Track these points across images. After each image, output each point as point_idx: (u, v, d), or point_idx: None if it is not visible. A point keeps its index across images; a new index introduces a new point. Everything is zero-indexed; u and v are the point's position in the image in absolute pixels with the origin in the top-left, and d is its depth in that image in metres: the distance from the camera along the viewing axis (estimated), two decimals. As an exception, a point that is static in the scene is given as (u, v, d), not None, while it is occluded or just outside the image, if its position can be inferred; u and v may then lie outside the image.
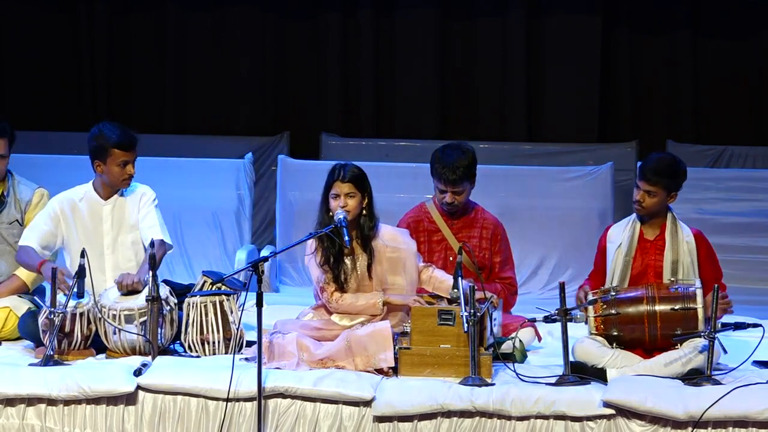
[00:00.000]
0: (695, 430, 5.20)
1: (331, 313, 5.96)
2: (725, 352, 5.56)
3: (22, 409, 5.46)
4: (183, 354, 5.91)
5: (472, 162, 6.36)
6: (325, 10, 10.36)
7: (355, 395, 5.36)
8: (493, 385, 5.42)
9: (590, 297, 5.75)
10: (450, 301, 5.80)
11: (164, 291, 5.90)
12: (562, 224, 8.88)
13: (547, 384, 5.44)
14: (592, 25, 10.13)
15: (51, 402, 5.45)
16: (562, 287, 5.62)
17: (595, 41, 10.13)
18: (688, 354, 5.58)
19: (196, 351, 5.91)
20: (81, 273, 5.76)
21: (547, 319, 5.65)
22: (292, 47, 10.43)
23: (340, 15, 10.32)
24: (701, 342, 5.53)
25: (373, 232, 5.95)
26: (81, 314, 5.86)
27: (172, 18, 10.47)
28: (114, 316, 5.82)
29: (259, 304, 5.23)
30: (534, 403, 5.29)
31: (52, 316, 5.72)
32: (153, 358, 5.70)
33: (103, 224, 6.25)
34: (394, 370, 5.61)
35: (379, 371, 5.59)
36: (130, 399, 5.46)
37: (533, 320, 5.87)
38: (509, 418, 5.30)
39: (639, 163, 6.09)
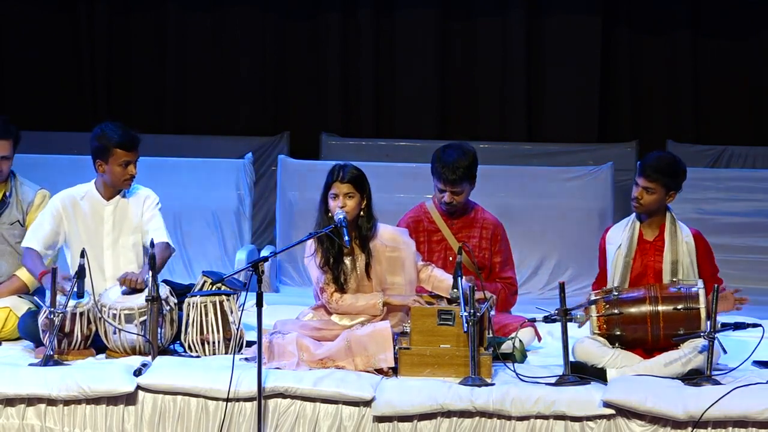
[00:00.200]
0: (695, 430, 5.20)
1: (330, 314, 5.96)
2: (725, 352, 5.56)
3: (22, 409, 5.46)
4: (183, 354, 5.91)
5: (472, 163, 6.36)
6: (325, 10, 10.36)
7: (355, 395, 5.36)
8: (493, 385, 5.42)
9: (592, 297, 5.75)
10: (450, 301, 5.81)
11: (164, 291, 5.90)
12: (562, 224, 8.88)
13: (547, 384, 5.44)
14: (592, 25, 10.13)
15: (51, 402, 5.45)
16: (562, 287, 5.62)
17: (595, 41, 10.13)
18: (688, 354, 5.58)
19: (196, 351, 5.91)
20: (81, 273, 5.76)
21: (547, 319, 5.65)
22: (292, 47, 10.43)
23: (340, 15, 10.32)
24: (701, 342, 5.54)
25: (372, 233, 5.95)
26: (81, 314, 5.86)
27: (172, 18, 10.47)
28: (114, 315, 5.82)
29: (259, 304, 5.23)
30: (534, 403, 5.29)
31: (52, 316, 5.72)
32: (153, 358, 5.70)
33: (105, 224, 6.25)
34: (394, 370, 5.61)
35: (379, 371, 5.59)
36: (130, 399, 5.46)
37: (533, 320, 5.87)
38: (509, 418, 5.31)
39: (639, 162, 6.10)
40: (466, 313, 5.43)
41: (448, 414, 5.32)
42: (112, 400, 5.45)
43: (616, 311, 5.70)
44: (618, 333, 5.69)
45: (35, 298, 6.44)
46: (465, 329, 5.41)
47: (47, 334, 5.74)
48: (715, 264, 6.03)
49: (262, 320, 5.25)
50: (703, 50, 10.15)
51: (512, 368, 5.58)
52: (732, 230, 8.81)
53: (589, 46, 10.14)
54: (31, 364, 5.67)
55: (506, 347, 5.87)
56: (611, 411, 5.28)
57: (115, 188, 6.25)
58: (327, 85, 10.43)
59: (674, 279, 5.81)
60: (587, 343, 5.72)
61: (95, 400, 5.44)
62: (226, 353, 5.86)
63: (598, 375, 5.55)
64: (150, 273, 5.74)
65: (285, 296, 8.31)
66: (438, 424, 5.33)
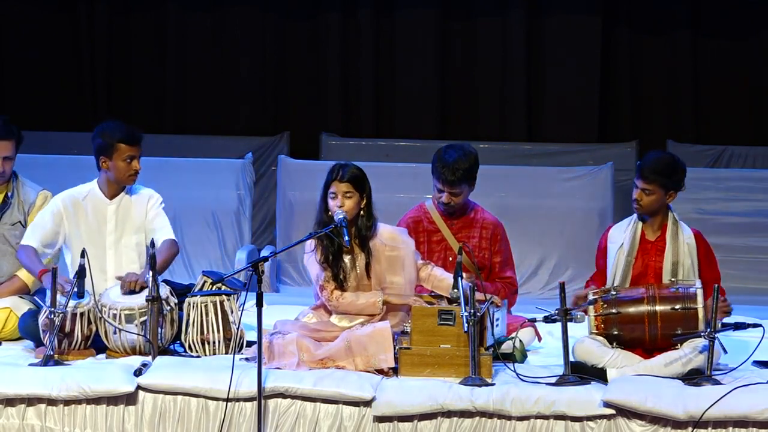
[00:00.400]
0: (695, 430, 5.20)
1: (330, 314, 5.96)
2: (725, 352, 5.56)
3: (22, 409, 5.46)
4: (183, 354, 5.90)
5: (473, 165, 6.35)
6: (325, 10, 10.36)
7: (355, 395, 5.36)
8: (493, 385, 5.42)
9: (590, 296, 5.75)
10: (450, 301, 5.80)
11: (164, 291, 5.90)
12: (562, 224, 8.88)
13: (547, 384, 5.44)
14: (592, 25, 10.13)
15: (51, 402, 5.44)
16: (562, 287, 5.62)
17: (595, 41, 10.13)
18: (688, 354, 5.58)
19: (196, 351, 5.91)
20: (81, 273, 5.76)
21: (547, 319, 5.64)
22: (292, 47, 10.43)
23: (340, 15, 10.33)
24: (701, 342, 5.53)
25: (371, 232, 5.95)
26: (81, 314, 5.86)
27: (172, 18, 10.48)
28: (114, 315, 5.82)
29: (259, 304, 5.23)
30: (534, 403, 5.28)
31: (52, 316, 5.72)
32: (153, 358, 5.70)
33: (107, 224, 6.25)
34: (394, 370, 5.61)
35: (379, 371, 5.59)
36: (130, 399, 5.46)
37: (533, 320, 5.87)
38: (509, 418, 5.30)
39: (638, 163, 6.10)
40: (466, 313, 5.43)
41: (449, 414, 5.32)
42: (113, 400, 5.45)
43: (613, 311, 5.70)
44: (616, 332, 5.69)
45: (35, 298, 6.44)
46: (465, 329, 5.41)
47: (47, 334, 5.74)
48: (717, 269, 5.99)
49: (262, 320, 5.25)
50: (703, 50, 10.16)
51: (512, 368, 5.57)
52: (732, 230, 8.81)
53: (589, 46, 10.14)
54: (31, 364, 5.67)
55: (506, 347, 5.86)
56: (611, 411, 5.28)
57: (119, 185, 6.25)
58: (327, 85, 10.43)
59: (672, 279, 5.81)
60: (587, 343, 5.72)
61: (95, 400, 5.44)
62: (226, 353, 5.85)
63: (598, 375, 5.55)
64: (150, 273, 5.74)
65: (285, 296, 8.32)
66: (438, 424, 5.33)
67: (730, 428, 5.23)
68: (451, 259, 6.31)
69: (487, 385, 5.40)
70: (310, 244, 5.93)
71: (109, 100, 10.55)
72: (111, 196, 6.28)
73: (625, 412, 5.27)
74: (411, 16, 10.30)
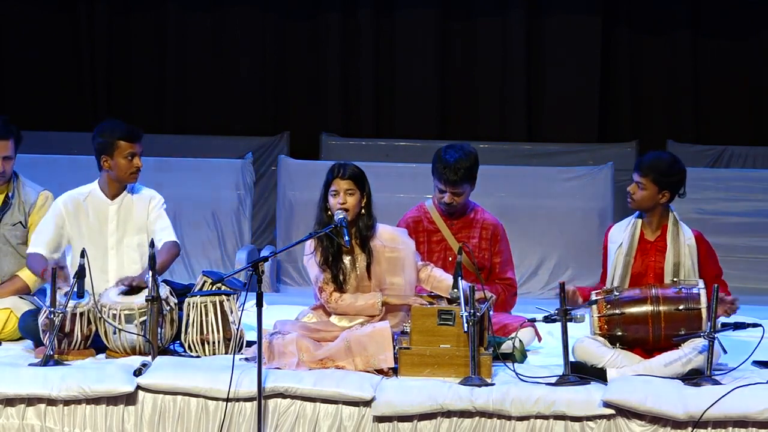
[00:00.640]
0: (695, 430, 5.20)
1: (329, 314, 5.96)
2: (725, 352, 5.56)
3: (22, 409, 5.46)
4: (183, 354, 5.90)
5: (473, 164, 6.36)
6: (325, 10, 10.37)
7: (355, 395, 5.36)
8: (493, 385, 5.41)
9: (593, 297, 5.75)
10: (450, 301, 5.80)
11: (164, 291, 5.90)
12: (562, 224, 8.88)
13: (547, 384, 5.44)
14: (592, 25, 10.14)
15: (51, 402, 5.44)
16: (562, 287, 5.62)
17: (595, 41, 10.14)
18: (688, 354, 5.58)
19: (196, 351, 5.91)
20: (81, 273, 5.76)
21: (547, 319, 5.64)
22: (292, 47, 10.44)
23: (340, 15, 10.33)
24: (701, 342, 5.53)
25: (371, 232, 5.95)
26: (81, 314, 5.86)
27: (172, 18, 10.49)
28: (114, 315, 5.82)
29: (259, 304, 5.23)
30: (534, 403, 5.28)
31: (52, 316, 5.72)
32: (153, 358, 5.70)
33: (109, 224, 6.25)
34: (394, 370, 5.61)
35: (379, 371, 5.59)
36: (130, 399, 5.46)
37: (533, 320, 5.87)
38: (509, 418, 5.30)
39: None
40: (466, 313, 5.43)
41: (448, 414, 5.32)
42: (112, 400, 5.45)
43: (617, 311, 5.69)
44: (619, 333, 5.68)
45: (35, 298, 6.44)
46: (465, 329, 5.41)
47: (47, 334, 5.74)
48: (719, 265, 6.01)
49: (262, 320, 5.25)
50: (703, 50, 10.16)
51: (512, 368, 5.57)
52: (732, 230, 8.81)
53: (589, 46, 10.15)
54: (31, 364, 5.67)
55: (506, 347, 5.86)
56: (611, 411, 5.28)
57: (121, 183, 6.25)
58: (327, 85, 10.44)
59: (675, 279, 5.81)
60: (587, 343, 5.72)
61: (95, 400, 5.44)
62: (226, 353, 5.85)
63: (598, 375, 5.55)
64: (150, 273, 5.74)
65: (285, 296, 8.32)
66: (438, 424, 5.33)
67: (730, 428, 5.23)
68: (450, 259, 6.31)
69: (487, 385, 5.40)
70: (310, 245, 5.93)
71: (109, 100, 10.56)
72: (112, 197, 6.28)
73: (624, 412, 5.27)
74: (411, 16, 10.30)
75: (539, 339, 6.31)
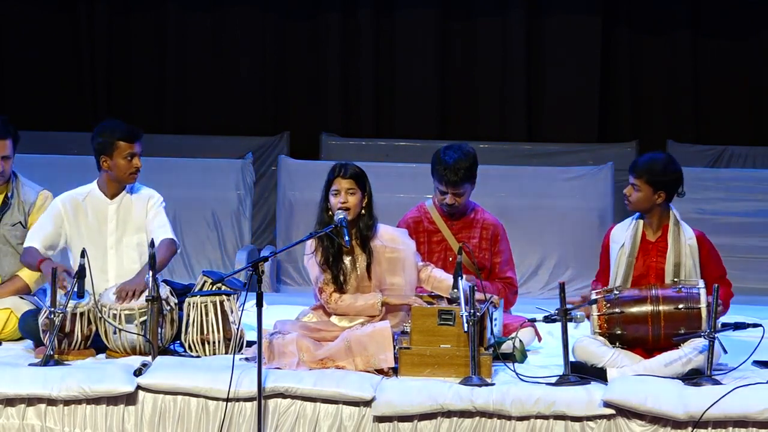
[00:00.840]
0: (695, 430, 5.20)
1: (329, 314, 5.96)
2: (725, 352, 5.56)
3: (22, 409, 5.46)
4: (183, 354, 5.90)
5: (473, 164, 6.36)
6: (325, 10, 10.37)
7: (355, 395, 5.36)
8: (493, 385, 5.41)
9: (593, 296, 5.75)
10: (450, 301, 5.80)
11: (164, 291, 5.90)
12: (562, 224, 8.88)
13: (547, 384, 5.44)
14: (592, 25, 10.14)
15: (51, 402, 5.44)
16: (562, 287, 5.62)
17: (595, 41, 10.14)
18: (688, 354, 5.58)
19: (196, 351, 5.91)
20: (81, 273, 5.77)
21: (547, 319, 5.64)
22: (292, 47, 10.43)
23: (340, 15, 10.33)
24: (701, 342, 5.53)
25: (372, 233, 5.95)
26: (81, 314, 5.86)
27: (172, 18, 10.48)
28: (114, 315, 5.82)
29: (259, 304, 5.23)
30: (534, 403, 5.28)
31: (52, 316, 5.72)
32: (153, 358, 5.70)
33: (108, 223, 6.25)
34: (394, 370, 5.61)
35: (379, 371, 5.59)
36: (130, 399, 5.46)
37: (533, 320, 5.87)
38: (509, 418, 5.30)
39: (634, 159, 6.12)
40: (466, 313, 5.43)
41: (448, 414, 5.32)
42: (112, 400, 5.45)
43: (617, 310, 5.70)
44: (619, 332, 5.68)
45: (35, 298, 6.44)
46: (465, 329, 5.41)
47: (47, 334, 5.74)
48: (722, 265, 6.00)
49: (262, 320, 5.25)
50: (703, 50, 10.16)
51: (512, 368, 5.57)
52: (732, 230, 8.81)
53: (589, 46, 10.14)
54: (31, 364, 5.67)
55: (506, 347, 5.86)
56: (611, 411, 5.28)
57: (120, 183, 6.25)
58: (327, 85, 10.44)
59: (675, 279, 5.81)
60: (587, 342, 5.72)
61: (95, 400, 5.44)
62: (226, 353, 5.85)
63: (598, 375, 5.55)
64: (150, 273, 5.74)
65: (285, 296, 8.32)
66: (438, 424, 5.33)
67: (730, 428, 5.23)
68: (451, 259, 6.31)
69: (487, 385, 5.40)
70: (311, 245, 5.93)
71: (109, 100, 10.56)
72: (111, 196, 6.28)
73: (624, 412, 5.27)
74: (411, 16, 10.30)
75: (539, 339, 6.32)
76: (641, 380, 5.42)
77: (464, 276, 5.76)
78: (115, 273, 6.17)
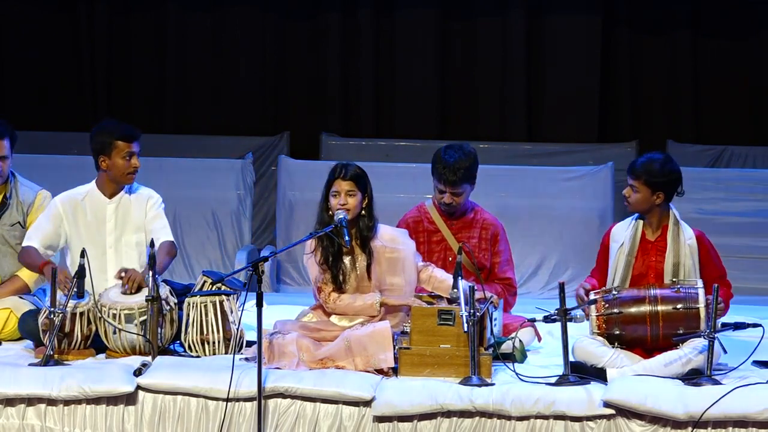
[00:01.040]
0: (695, 430, 5.20)
1: (329, 314, 5.96)
2: (725, 352, 5.55)
3: (22, 409, 5.46)
4: (183, 354, 5.90)
5: (473, 164, 6.36)
6: (325, 10, 10.37)
7: (355, 395, 5.36)
8: (493, 385, 5.41)
9: (591, 296, 5.75)
10: (450, 301, 5.80)
11: (164, 291, 5.90)
12: (562, 224, 8.88)
13: (547, 384, 5.44)
14: (592, 25, 10.14)
15: (51, 402, 5.44)
16: (562, 287, 5.62)
17: (595, 41, 10.14)
18: (688, 354, 5.58)
19: (196, 351, 5.91)
20: (81, 273, 5.77)
21: (547, 319, 5.64)
22: (292, 47, 10.43)
23: (340, 15, 10.33)
24: (701, 342, 5.53)
25: (372, 233, 5.95)
26: (81, 314, 5.86)
27: (172, 18, 10.49)
28: (114, 315, 5.82)
29: (259, 304, 5.23)
30: (534, 403, 5.28)
31: (52, 316, 5.72)
32: (153, 358, 5.70)
33: (107, 223, 6.25)
34: (394, 370, 5.61)
35: (379, 371, 5.59)
36: (130, 399, 5.46)
37: (533, 320, 5.87)
38: (509, 418, 5.30)
39: (634, 161, 6.12)
40: (466, 313, 5.43)
41: (448, 414, 5.32)
42: (112, 400, 5.45)
43: (615, 311, 5.69)
44: (617, 332, 5.68)
45: (35, 298, 6.44)
46: (465, 329, 5.41)
47: (47, 334, 5.74)
48: (722, 265, 6.00)
49: (262, 320, 5.25)
50: (703, 50, 10.16)
51: (512, 368, 5.57)
52: (732, 230, 8.81)
53: (589, 46, 10.15)
54: (31, 364, 5.67)
55: (506, 347, 5.86)
56: (611, 411, 5.28)
57: (119, 183, 6.25)
58: (327, 85, 10.44)
59: (674, 279, 5.81)
60: (587, 343, 5.71)
61: (95, 400, 5.44)
62: (226, 353, 5.85)
63: (598, 375, 5.55)
64: (150, 273, 5.74)
65: (285, 296, 8.32)
66: (438, 424, 5.33)
67: (730, 428, 5.23)
68: (450, 259, 6.31)
69: (487, 385, 5.40)
70: (310, 245, 5.93)
71: (109, 100, 10.56)
72: (110, 196, 6.28)
73: (624, 412, 5.27)
74: (411, 16, 10.30)
75: (539, 339, 6.32)
76: (641, 380, 5.42)
77: (464, 278, 5.76)
78: (114, 272, 6.16)
